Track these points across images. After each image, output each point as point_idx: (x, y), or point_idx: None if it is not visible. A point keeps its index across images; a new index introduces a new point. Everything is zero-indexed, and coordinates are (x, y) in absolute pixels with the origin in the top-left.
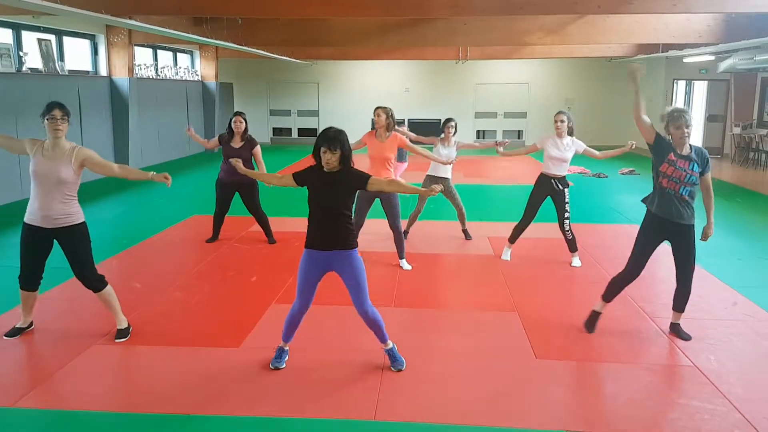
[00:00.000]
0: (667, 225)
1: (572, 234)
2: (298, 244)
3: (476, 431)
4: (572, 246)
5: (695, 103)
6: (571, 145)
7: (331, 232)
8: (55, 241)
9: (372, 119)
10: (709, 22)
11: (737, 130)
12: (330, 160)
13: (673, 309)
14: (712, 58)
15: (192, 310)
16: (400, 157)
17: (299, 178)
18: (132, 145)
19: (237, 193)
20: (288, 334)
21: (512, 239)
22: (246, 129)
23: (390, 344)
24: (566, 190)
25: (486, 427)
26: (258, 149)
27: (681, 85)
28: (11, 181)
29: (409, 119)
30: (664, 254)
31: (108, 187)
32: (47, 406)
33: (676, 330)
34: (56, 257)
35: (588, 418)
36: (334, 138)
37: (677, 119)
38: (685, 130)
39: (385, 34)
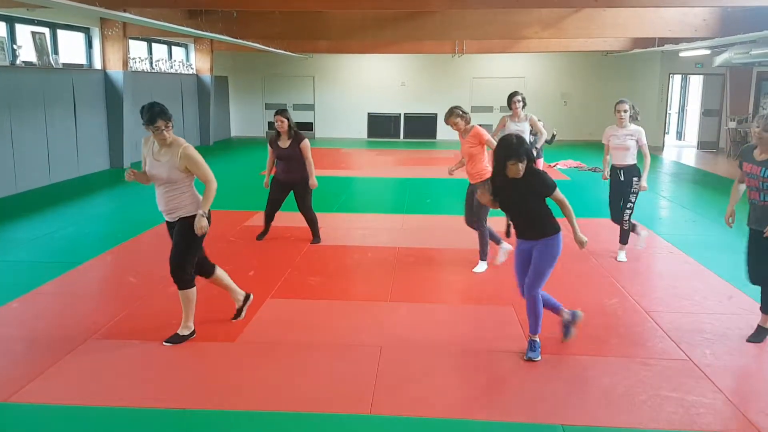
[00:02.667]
0: None
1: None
2: (294, 238)
3: (472, 425)
4: (625, 237)
5: (691, 97)
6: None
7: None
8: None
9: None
10: (705, 16)
11: (732, 125)
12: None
13: None
14: (708, 52)
15: None
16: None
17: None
18: (126, 139)
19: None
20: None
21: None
22: (290, 126)
23: (534, 337)
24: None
25: (481, 421)
26: (305, 144)
27: (677, 79)
28: (6, 174)
29: (405, 113)
30: (662, 249)
31: (102, 181)
32: (42, 401)
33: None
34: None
35: (583, 412)
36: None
37: None
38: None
39: (381, 28)
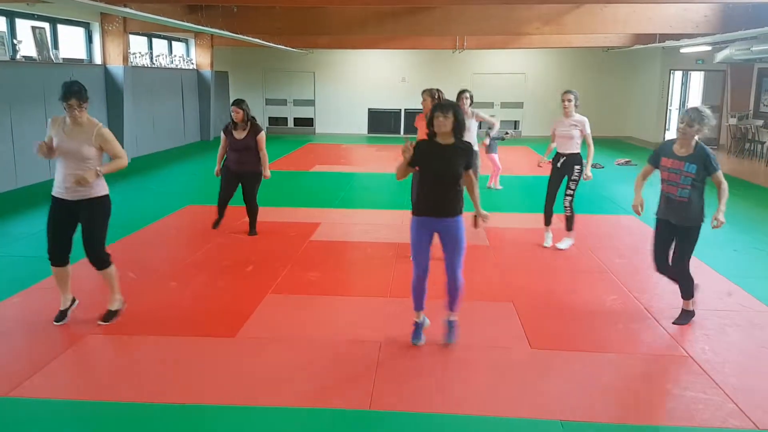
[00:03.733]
0: None
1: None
2: (293, 234)
3: (471, 421)
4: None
5: (692, 93)
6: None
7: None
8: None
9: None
10: (706, 12)
11: (733, 121)
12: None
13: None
14: (709, 48)
15: (187, 300)
16: (490, 149)
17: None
18: (127, 134)
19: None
20: (418, 303)
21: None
22: (246, 117)
23: (454, 316)
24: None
25: (481, 417)
26: (261, 136)
27: (677, 75)
28: (6, 169)
29: (405, 109)
30: None
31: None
32: (42, 395)
33: None
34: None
35: (583, 408)
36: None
37: None
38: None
39: (381, 23)
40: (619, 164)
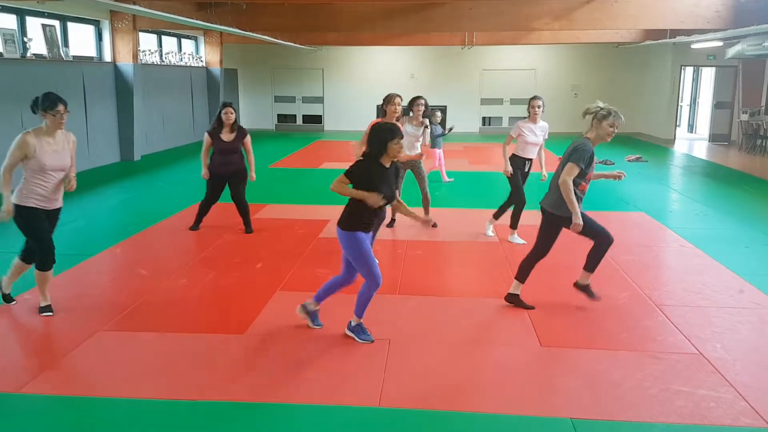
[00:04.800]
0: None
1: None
2: (302, 231)
3: (481, 418)
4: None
5: (703, 89)
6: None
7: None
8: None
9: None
10: (717, 8)
11: (745, 117)
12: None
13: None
14: (720, 44)
15: (197, 296)
16: (434, 143)
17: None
18: (137, 132)
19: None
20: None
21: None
22: (236, 119)
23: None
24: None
25: (491, 414)
26: (248, 139)
27: (688, 71)
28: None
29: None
30: (673, 243)
31: (112, 174)
32: (53, 392)
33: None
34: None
35: (593, 406)
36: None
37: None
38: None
39: (390, 20)
40: (629, 160)
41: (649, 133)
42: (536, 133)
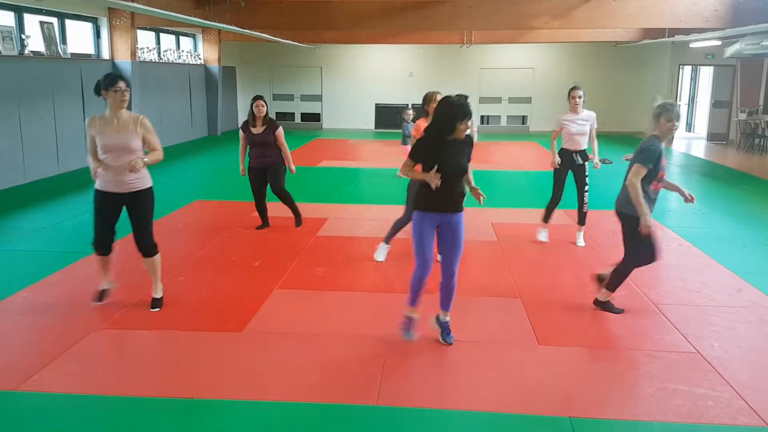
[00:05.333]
0: None
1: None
2: (300, 229)
3: (480, 417)
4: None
5: (701, 88)
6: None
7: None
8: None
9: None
10: (716, 7)
11: (743, 116)
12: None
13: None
14: (719, 43)
15: (195, 294)
16: (405, 141)
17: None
18: None
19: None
20: (414, 298)
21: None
22: (266, 112)
23: (448, 317)
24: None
25: (489, 413)
26: (280, 132)
27: (687, 70)
28: (15, 164)
29: (413, 104)
30: (671, 242)
31: None
32: (51, 390)
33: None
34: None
35: (591, 404)
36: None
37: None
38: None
39: (389, 18)
40: (628, 159)
41: (647, 132)
42: (578, 122)
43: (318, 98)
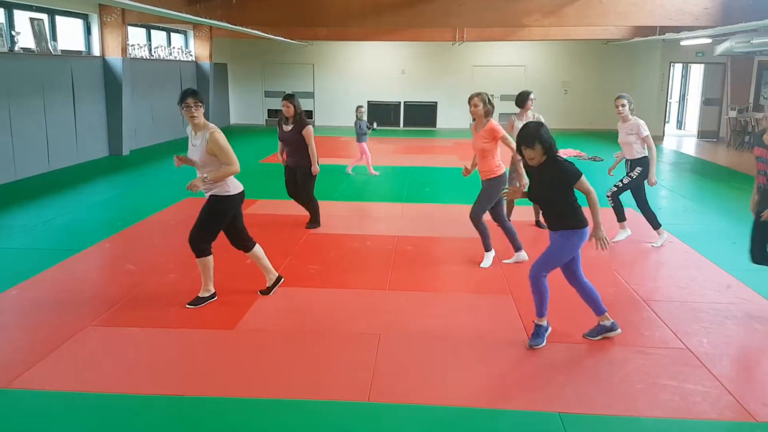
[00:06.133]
0: None
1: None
2: (293, 227)
3: (470, 412)
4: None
5: (691, 86)
6: None
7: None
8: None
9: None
10: (706, 5)
11: (733, 114)
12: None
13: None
14: (709, 41)
15: (186, 291)
16: (360, 138)
17: None
18: (125, 126)
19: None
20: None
21: None
22: (296, 111)
23: (603, 319)
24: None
25: (480, 408)
26: (307, 130)
27: (677, 68)
28: (5, 161)
29: (405, 101)
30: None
31: (101, 168)
32: (41, 387)
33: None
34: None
35: (581, 400)
36: (530, 135)
37: None
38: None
39: (381, 15)
40: (618, 157)
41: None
42: (622, 132)
43: (310, 95)
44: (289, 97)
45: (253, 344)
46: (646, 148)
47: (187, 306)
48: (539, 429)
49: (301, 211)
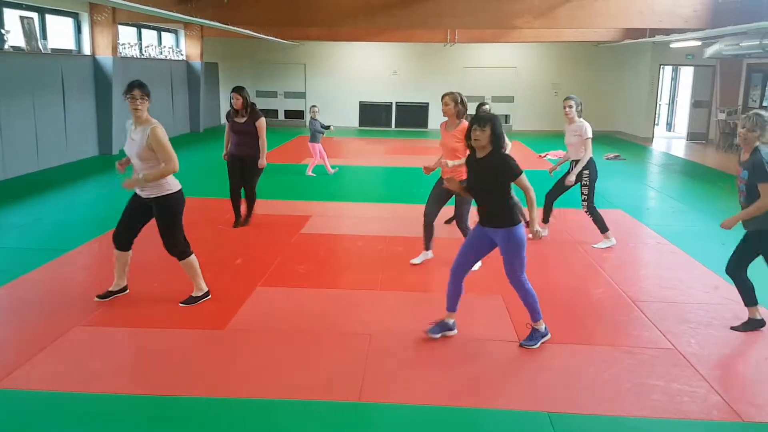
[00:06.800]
0: None
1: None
2: (283, 227)
3: (459, 412)
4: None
5: (681, 88)
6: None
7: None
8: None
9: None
10: (695, 7)
11: (722, 116)
12: (479, 137)
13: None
14: (699, 43)
15: (176, 291)
16: (313, 138)
17: None
18: (116, 125)
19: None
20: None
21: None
22: (246, 103)
23: (541, 324)
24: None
25: (469, 408)
26: (260, 123)
27: (667, 70)
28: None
29: (396, 102)
30: (649, 240)
31: (90, 168)
32: (29, 387)
33: None
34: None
35: (569, 399)
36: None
37: None
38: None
39: (373, 15)
40: (608, 159)
41: (628, 131)
42: (569, 133)
43: (302, 95)
44: (239, 89)
45: (243, 344)
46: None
47: (180, 304)
48: (528, 428)
49: (293, 211)
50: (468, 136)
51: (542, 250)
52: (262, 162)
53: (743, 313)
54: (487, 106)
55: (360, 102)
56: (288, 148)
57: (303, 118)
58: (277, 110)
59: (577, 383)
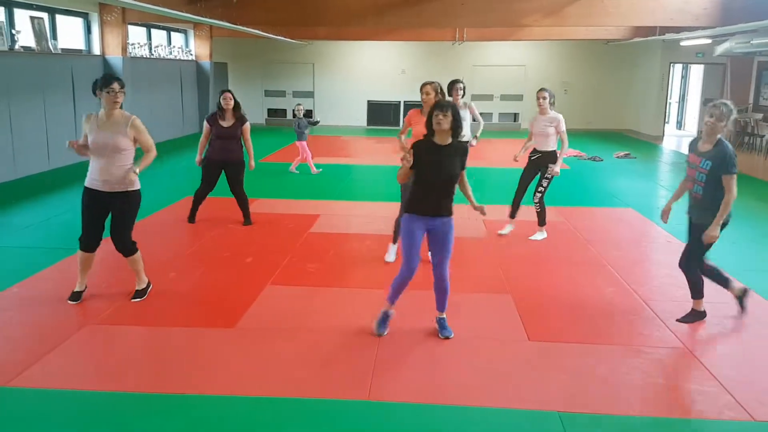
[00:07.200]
0: None
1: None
2: (292, 226)
3: (470, 411)
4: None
5: (691, 86)
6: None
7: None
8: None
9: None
10: (706, 5)
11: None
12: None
13: None
14: (709, 41)
15: (186, 290)
16: (301, 136)
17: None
18: None
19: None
20: (394, 296)
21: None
22: (236, 106)
23: (443, 314)
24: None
25: (479, 408)
26: (247, 126)
27: (677, 68)
28: (5, 160)
29: (405, 101)
30: (660, 239)
31: None
32: (41, 386)
33: None
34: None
35: (580, 399)
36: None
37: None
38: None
39: (381, 15)
40: (618, 157)
41: (638, 129)
42: (540, 123)
43: (310, 95)
44: (230, 90)
45: (253, 342)
46: (558, 142)
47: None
48: (538, 428)
49: (302, 210)
50: (429, 121)
51: (552, 250)
52: (252, 164)
53: (755, 311)
54: (460, 84)
55: (368, 101)
56: (296, 147)
57: (312, 117)
58: (285, 110)
59: (588, 382)
